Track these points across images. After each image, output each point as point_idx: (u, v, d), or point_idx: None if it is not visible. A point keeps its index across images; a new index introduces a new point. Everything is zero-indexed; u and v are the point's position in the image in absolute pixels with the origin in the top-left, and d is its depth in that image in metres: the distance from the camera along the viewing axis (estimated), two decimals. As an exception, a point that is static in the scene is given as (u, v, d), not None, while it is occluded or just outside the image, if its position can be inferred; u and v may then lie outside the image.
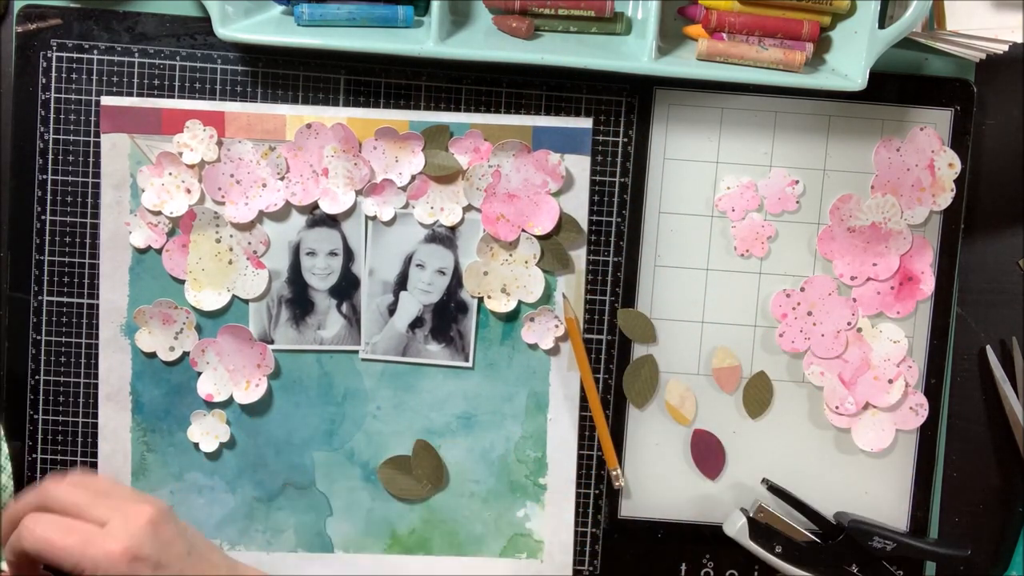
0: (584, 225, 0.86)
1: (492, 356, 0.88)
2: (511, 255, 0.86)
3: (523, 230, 0.86)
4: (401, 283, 0.86)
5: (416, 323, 0.87)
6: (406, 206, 0.85)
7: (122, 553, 0.65)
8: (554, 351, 0.88)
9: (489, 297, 0.87)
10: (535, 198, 0.85)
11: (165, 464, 0.87)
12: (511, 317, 0.87)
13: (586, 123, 0.85)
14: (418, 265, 0.86)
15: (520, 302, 0.87)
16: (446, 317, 0.87)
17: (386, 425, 0.87)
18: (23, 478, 0.86)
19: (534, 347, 0.88)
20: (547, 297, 0.87)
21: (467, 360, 0.87)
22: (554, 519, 0.89)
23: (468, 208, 0.86)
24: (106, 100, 0.83)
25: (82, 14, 0.83)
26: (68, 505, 0.67)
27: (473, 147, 0.85)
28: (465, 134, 0.85)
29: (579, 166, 0.86)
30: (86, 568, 0.65)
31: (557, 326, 0.87)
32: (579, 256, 0.87)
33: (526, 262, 0.86)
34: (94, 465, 0.86)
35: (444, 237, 0.86)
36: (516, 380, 0.88)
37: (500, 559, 0.88)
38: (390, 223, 0.86)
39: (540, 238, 0.86)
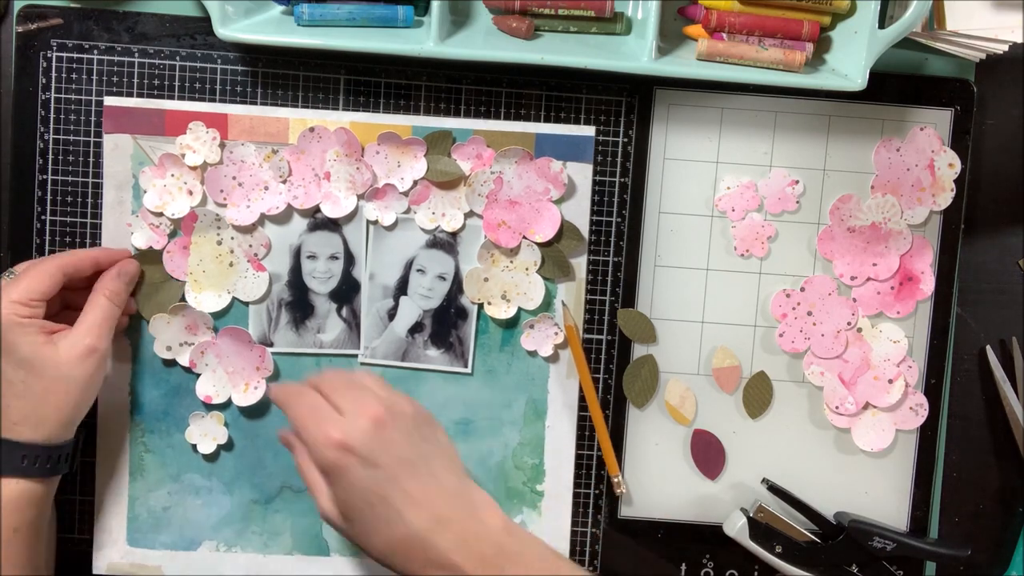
0: (585, 233, 0.86)
1: (491, 362, 0.87)
2: (512, 262, 0.86)
3: (524, 237, 0.86)
4: (401, 288, 0.86)
5: (416, 328, 0.87)
6: (408, 211, 0.85)
7: (336, 441, 0.70)
8: (553, 358, 0.87)
9: (489, 303, 0.86)
10: (537, 205, 0.85)
11: (163, 465, 0.87)
12: (511, 324, 0.87)
13: (589, 131, 0.85)
14: (419, 270, 0.86)
15: (520, 309, 0.87)
16: (446, 323, 0.87)
17: (384, 428, 0.87)
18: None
19: (533, 354, 0.87)
20: (547, 304, 0.87)
21: (466, 366, 0.87)
22: (551, 526, 0.88)
23: (470, 214, 0.86)
24: (109, 100, 0.83)
25: (82, 14, 0.83)
26: (325, 388, 0.74)
27: (476, 153, 0.85)
28: (468, 140, 0.85)
29: (581, 174, 0.86)
30: (307, 441, 0.72)
31: (557, 333, 0.87)
32: (579, 264, 0.87)
33: (527, 269, 0.86)
34: (92, 465, 0.86)
35: (445, 243, 0.86)
36: (515, 387, 0.88)
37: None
38: (391, 228, 0.86)
39: (541, 245, 0.86)
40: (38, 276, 0.76)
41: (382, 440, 0.71)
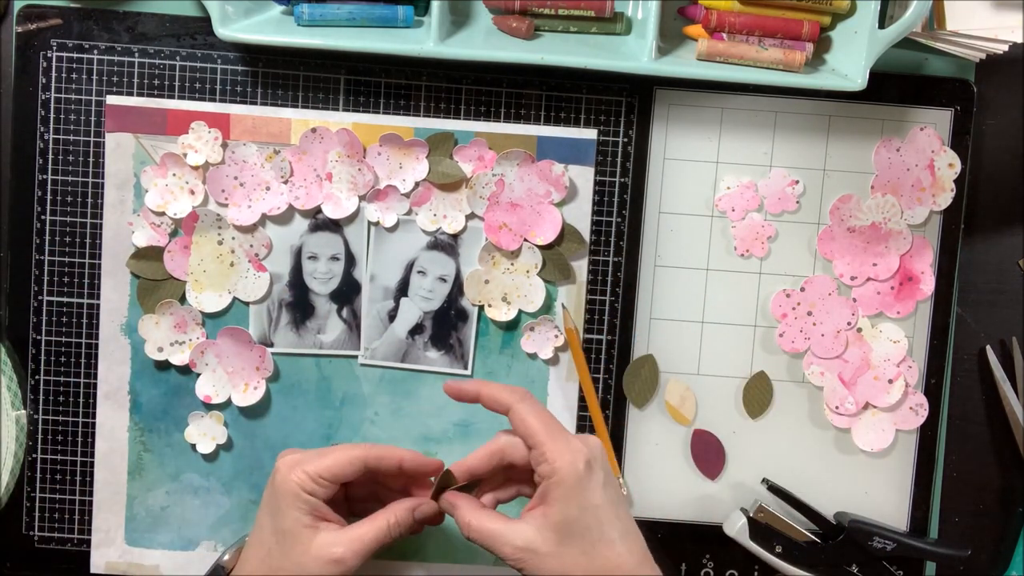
0: (586, 236, 0.86)
1: (491, 364, 0.87)
2: (512, 264, 0.86)
3: (525, 239, 0.86)
4: (402, 289, 0.86)
5: (416, 330, 0.86)
6: (409, 212, 0.85)
7: (586, 455, 0.69)
8: (553, 361, 0.87)
9: (490, 306, 0.86)
10: (538, 208, 0.85)
11: (162, 464, 0.87)
12: (511, 326, 0.87)
13: (590, 134, 0.85)
14: (419, 272, 0.86)
15: (520, 311, 0.87)
16: (446, 324, 0.87)
17: (384, 431, 0.87)
18: (23, 477, 0.86)
19: (533, 356, 0.87)
20: (547, 307, 0.87)
21: (466, 368, 0.87)
22: (552, 524, 0.88)
23: (471, 216, 0.86)
24: (112, 99, 0.83)
25: (82, 14, 0.83)
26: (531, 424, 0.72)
27: (477, 155, 0.85)
28: (470, 142, 0.85)
29: (583, 177, 0.86)
30: (547, 453, 0.69)
31: (557, 336, 0.87)
32: (580, 266, 0.87)
33: (527, 271, 0.86)
34: (91, 464, 0.86)
35: (446, 244, 0.86)
36: (515, 389, 0.88)
37: (494, 568, 0.88)
38: (392, 229, 0.86)
39: (542, 248, 0.86)
40: (339, 460, 0.72)
41: (608, 464, 0.71)
